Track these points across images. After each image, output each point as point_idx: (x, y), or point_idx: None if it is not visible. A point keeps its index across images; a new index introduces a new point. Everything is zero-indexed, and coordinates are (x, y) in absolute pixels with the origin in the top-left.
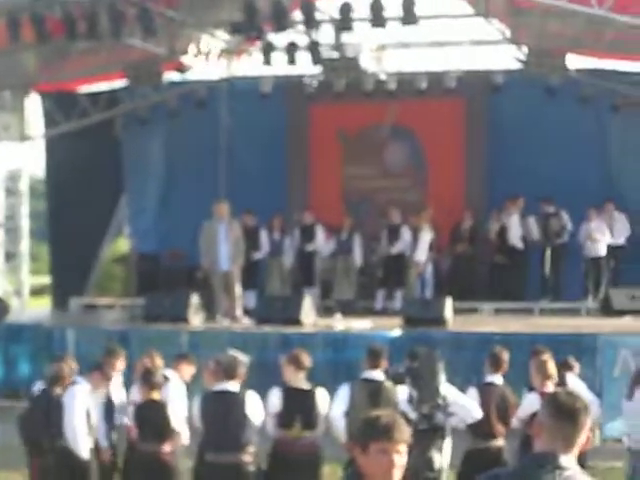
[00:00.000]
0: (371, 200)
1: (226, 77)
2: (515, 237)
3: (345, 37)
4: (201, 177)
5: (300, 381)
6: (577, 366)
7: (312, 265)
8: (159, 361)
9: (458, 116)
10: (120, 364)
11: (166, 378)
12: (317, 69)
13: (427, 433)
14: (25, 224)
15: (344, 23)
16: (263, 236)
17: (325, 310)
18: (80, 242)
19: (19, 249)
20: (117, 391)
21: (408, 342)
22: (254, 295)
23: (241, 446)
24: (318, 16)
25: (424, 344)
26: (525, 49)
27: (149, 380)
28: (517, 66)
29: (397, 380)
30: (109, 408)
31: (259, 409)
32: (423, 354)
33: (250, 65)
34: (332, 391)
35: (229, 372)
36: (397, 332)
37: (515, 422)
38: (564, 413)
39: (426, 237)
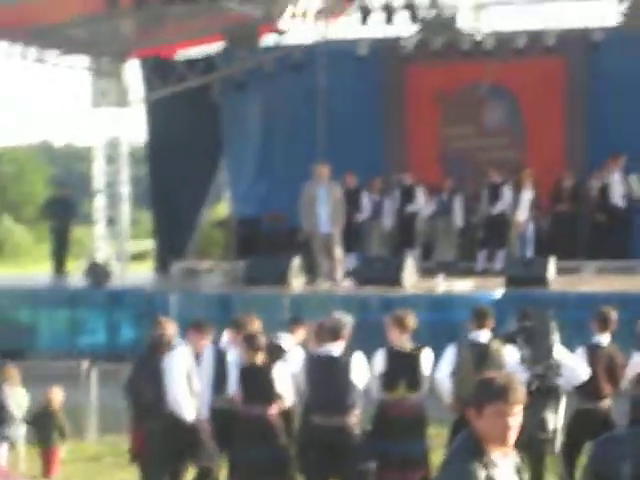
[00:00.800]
0: (470, 160)
1: (322, 40)
2: (617, 195)
3: None
4: (299, 140)
5: (404, 342)
6: None
7: (413, 226)
8: (257, 324)
9: (557, 75)
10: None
11: (278, 344)
12: (414, 29)
13: (540, 394)
14: (125, 190)
15: None
16: (364, 198)
17: (426, 271)
18: (181, 207)
19: (120, 215)
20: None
21: (511, 303)
22: (355, 257)
23: (346, 408)
24: None
25: (527, 304)
26: (625, 3)
27: (252, 343)
28: (617, 22)
29: (508, 339)
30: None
31: (363, 371)
32: (536, 313)
33: (346, 27)
34: (435, 353)
35: (333, 334)
36: (499, 293)
37: (624, 383)
38: None
39: (527, 196)
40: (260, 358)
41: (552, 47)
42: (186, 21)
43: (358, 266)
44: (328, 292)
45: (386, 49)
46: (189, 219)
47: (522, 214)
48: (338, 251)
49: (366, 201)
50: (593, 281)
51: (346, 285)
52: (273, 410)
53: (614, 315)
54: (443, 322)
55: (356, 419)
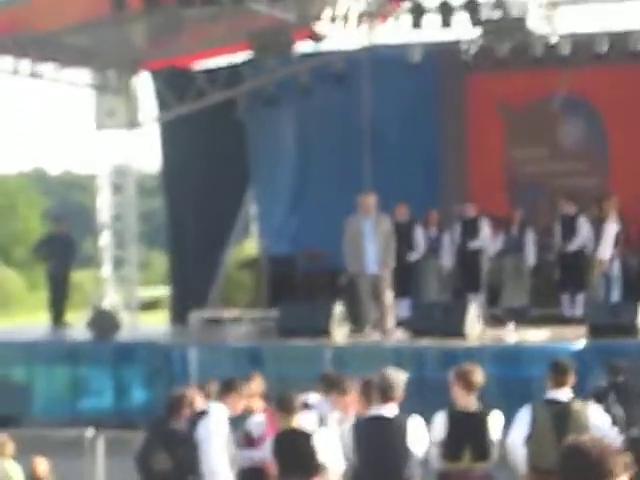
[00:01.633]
0: (542, 187)
1: (367, 46)
2: None
3: None
4: (341, 164)
5: (470, 403)
6: None
7: (477, 266)
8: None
9: None
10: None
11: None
12: (476, 32)
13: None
14: (134, 226)
15: None
16: (418, 233)
17: (493, 319)
18: (201, 246)
19: (127, 255)
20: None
21: (594, 355)
22: (408, 303)
23: None
24: None
25: (614, 357)
26: None
27: (287, 404)
28: None
29: (597, 397)
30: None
31: (422, 437)
32: (628, 367)
33: (396, 31)
34: (504, 414)
35: (385, 393)
36: (581, 343)
37: None
38: None
39: (611, 230)
40: (296, 422)
41: None
42: (206, 26)
43: (412, 314)
44: (377, 344)
45: (443, 55)
46: (211, 260)
47: (606, 251)
48: (388, 296)
49: (420, 237)
50: None
51: (398, 336)
52: None
53: None
54: (515, 378)
55: None
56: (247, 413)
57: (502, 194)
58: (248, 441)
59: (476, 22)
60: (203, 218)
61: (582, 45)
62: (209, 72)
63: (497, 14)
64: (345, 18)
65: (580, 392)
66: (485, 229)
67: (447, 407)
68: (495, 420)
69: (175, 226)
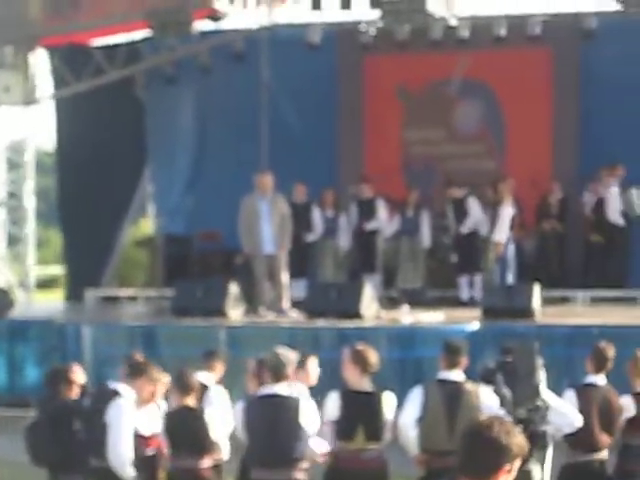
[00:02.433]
0: (438, 169)
1: (267, 25)
2: (614, 212)
3: None
4: (239, 144)
5: (363, 383)
6: None
7: (373, 247)
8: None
9: (544, 69)
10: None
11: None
12: (375, 14)
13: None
14: (30, 204)
15: None
16: (315, 214)
17: (388, 301)
18: (97, 224)
19: (24, 233)
20: None
21: (488, 338)
22: (304, 284)
23: (293, 461)
24: None
25: (507, 339)
26: None
27: (182, 383)
28: (615, 7)
29: (486, 378)
30: None
31: (315, 417)
32: (519, 348)
33: (295, 11)
34: (399, 395)
35: (276, 373)
36: (475, 326)
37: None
38: None
39: (506, 213)
40: (192, 401)
41: (538, 36)
42: (105, 2)
43: (308, 294)
44: (272, 325)
45: (342, 36)
46: (106, 239)
47: (501, 234)
48: (284, 276)
49: (317, 218)
50: (585, 313)
51: (294, 316)
52: (206, 463)
53: (611, 352)
54: (409, 360)
55: (304, 475)
56: None
57: (398, 176)
58: None
59: (375, 4)
60: (98, 196)
61: (481, 28)
62: (107, 49)
63: None
64: None
65: (473, 374)
66: (381, 210)
67: (340, 387)
68: (388, 401)
69: (69, 204)
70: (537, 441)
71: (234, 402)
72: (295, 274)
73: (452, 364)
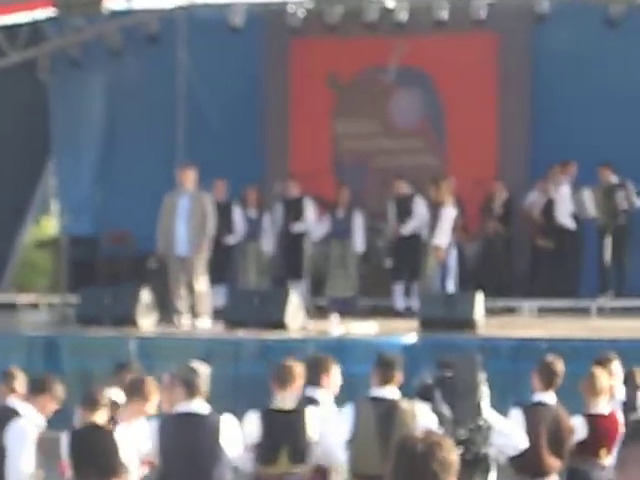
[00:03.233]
0: (373, 166)
1: (184, 5)
2: (565, 214)
3: None
4: (153, 135)
5: (286, 400)
6: None
7: (300, 251)
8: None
9: (489, 56)
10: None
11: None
12: None
13: (464, 465)
14: None
15: None
16: (236, 214)
17: (317, 310)
18: None
19: None
20: None
21: (426, 351)
22: (224, 291)
23: None
24: None
25: (447, 353)
26: None
27: (90, 398)
28: None
29: (424, 395)
30: None
31: (235, 438)
32: (459, 361)
33: None
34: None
35: (192, 388)
36: (411, 338)
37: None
38: None
39: (448, 215)
40: (101, 418)
41: (483, 20)
42: None
43: (228, 302)
44: (188, 335)
45: (268, 18)
46: (4, 239)
47: (442, 237)
48: (202, 282)
49: (238, 218)
50: (532, 324)
51: (212, 327)
52: None
53: (560, 367)
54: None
55: None
56: None
57: (329, 173)
58: None
59: None
60: None
61: (420, 11)
62: (8, 29)
63: None
64: None
65: (409, 390)
66: (309, 211)
67: (263, 406)
68: (314, 418)
69: None
70: (479, 464)
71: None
72: (214, 280)
73: (386, 380)
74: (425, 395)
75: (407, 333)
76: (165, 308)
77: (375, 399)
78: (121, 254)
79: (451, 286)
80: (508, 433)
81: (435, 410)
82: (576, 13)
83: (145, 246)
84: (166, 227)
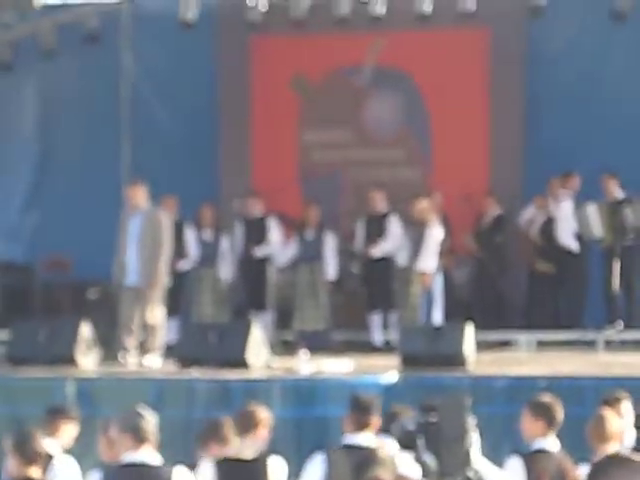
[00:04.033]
0: (346, 180)
1: None
2: (567, 234)
3: None
4: (94, 147)
5: (244, 448)
6: None
7: (263, 278)
8: None
9: (479, 54)
10: None
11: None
12: None
13: None
14: None
15: None
16: (189, 235)
17: (283, 346)
18: None
19: None
20: None
21: (408, 391)
22: (176, 324)
23: None
24: None
25: (432, 394)
26: None
27: (26, 448)
28: None
29: (405, 443)
30: None
31: None
32: (446, 403)
33: None
34: (294, 464)
35: (139, 435)
36: (392, 377)
37: None
38: None
39: (434, 236)
40: (37, 472)
41: (472, 13)
42: None
43: (180, 337)
44: (135, 376)
45: (225, 13)
46: None
47: (427, 262)
48: (154, 315)
49: (191, 240)
50: (530, 360)
51: (162, 365)
52: None
53: (559, 409)
54: (307, 419)
55: None
56: None
57: (295, 188)
58: None
59: None
60: None
61: (400, 3)
62: None
63: None
64: None
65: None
66: (274, 232)
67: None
68: (276, 468)
69: None
70: None
71: (86, 474)
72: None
73: (361, 425)
74: (407, 443)
75: (386, 371)
76: (109, 344)
77: (349, 447)
78: (59, 282)
79: (438, 317)
80: None
81: (418, 460)
82: (577, 5)
83: (84, 273)
84: (118, 252)
